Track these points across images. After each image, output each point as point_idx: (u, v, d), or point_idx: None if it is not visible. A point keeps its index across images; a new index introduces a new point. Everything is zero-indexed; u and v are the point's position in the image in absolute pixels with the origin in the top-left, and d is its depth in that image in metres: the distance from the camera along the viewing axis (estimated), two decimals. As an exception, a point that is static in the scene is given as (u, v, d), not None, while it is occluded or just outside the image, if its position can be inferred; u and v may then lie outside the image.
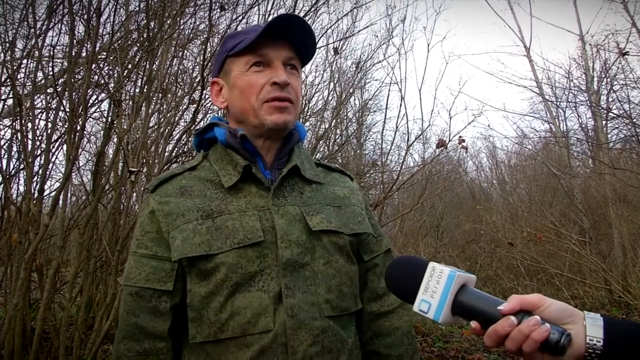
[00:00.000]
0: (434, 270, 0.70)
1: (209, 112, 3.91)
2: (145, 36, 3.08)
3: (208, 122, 1.08)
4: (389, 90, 5.67)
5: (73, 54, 2.72)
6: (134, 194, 3.01)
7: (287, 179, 1.02)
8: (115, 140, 3.21)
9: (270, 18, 3.73)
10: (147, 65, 2.94)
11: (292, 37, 0.99)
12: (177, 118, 3.45)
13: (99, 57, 3.16)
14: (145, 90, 2.94)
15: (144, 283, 0.96)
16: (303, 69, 1.20)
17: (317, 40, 1.04)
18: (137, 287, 0.96)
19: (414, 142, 5.05)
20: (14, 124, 3.03)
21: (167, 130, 3.16)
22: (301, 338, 0.91)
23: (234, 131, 1.01)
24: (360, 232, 1.05)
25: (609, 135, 8.41)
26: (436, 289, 0.69)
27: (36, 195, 2.58)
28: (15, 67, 2.90)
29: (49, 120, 2.84)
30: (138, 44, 3.40)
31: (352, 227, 1.03)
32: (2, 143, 2.93)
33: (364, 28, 7.19)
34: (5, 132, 3.16)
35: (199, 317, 0.94)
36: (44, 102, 3.17)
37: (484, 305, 0.68)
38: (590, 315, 0.63)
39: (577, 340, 0.62)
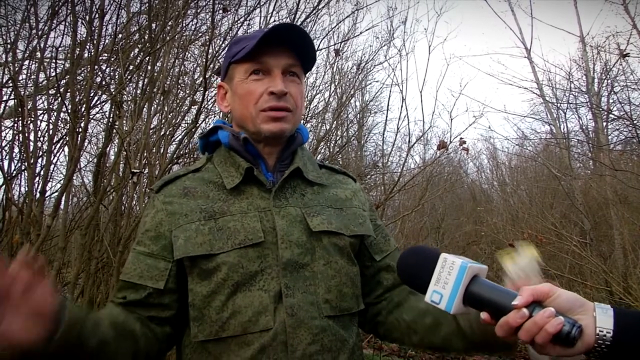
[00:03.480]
0: (445, 262, 0.70)
1: (211, 113, 3.92)
2: (147, 37, 3.09)
3: (212, 125, 1.11)
4: (390, 91, 5.66)
5: (75, 55, 2.72)
6: (136, 195, 3.02)
7: (289, 181, 1.03)
8: (116, 141, 3.21)
9: (272, 20, 3.76)
10: (149, 66, 2.94)
11: (294, 44, 1.00)
12: (179, 119, 3.46)
13: (101, 58, 3.16)
14: (147, 91, 2.94)
15: (137, 279, 0.98)
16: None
17: (316, 48, 1.05)
18: (131, 282, 0.98)
19: (415, 143, 5.07)
20: (15, 125, 3.03)
21: (169, 131, 3.16)
22: (301, 337, 0.92)
23: (236, 134, 1.04)
24: (360, 233, 1.06)
25: (609, 137, 8.40)
26: (448, 280, 0.69)
27: (38, 196, 2.59)
28: (17, 68, 2.90)
29: (51, 121, 2.85)
30: (140, 46, 3.40)
31: (353, 229, 1.04)
32: (3, 144, 2.93)
33: (366, 30, 7.19)
34: (7, 133, 3.16)
35: (201, 316, 0.96)
36: (45, 103, 3.17)
37: (495, 296, 0.68)
38: (600, 306, 0.64)
39: (587, 331, 0.62)
